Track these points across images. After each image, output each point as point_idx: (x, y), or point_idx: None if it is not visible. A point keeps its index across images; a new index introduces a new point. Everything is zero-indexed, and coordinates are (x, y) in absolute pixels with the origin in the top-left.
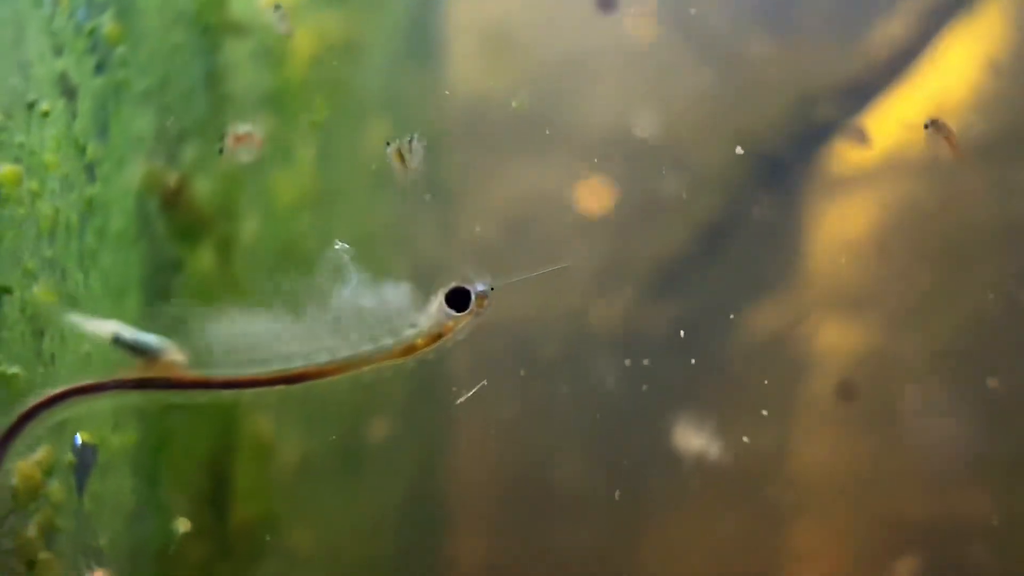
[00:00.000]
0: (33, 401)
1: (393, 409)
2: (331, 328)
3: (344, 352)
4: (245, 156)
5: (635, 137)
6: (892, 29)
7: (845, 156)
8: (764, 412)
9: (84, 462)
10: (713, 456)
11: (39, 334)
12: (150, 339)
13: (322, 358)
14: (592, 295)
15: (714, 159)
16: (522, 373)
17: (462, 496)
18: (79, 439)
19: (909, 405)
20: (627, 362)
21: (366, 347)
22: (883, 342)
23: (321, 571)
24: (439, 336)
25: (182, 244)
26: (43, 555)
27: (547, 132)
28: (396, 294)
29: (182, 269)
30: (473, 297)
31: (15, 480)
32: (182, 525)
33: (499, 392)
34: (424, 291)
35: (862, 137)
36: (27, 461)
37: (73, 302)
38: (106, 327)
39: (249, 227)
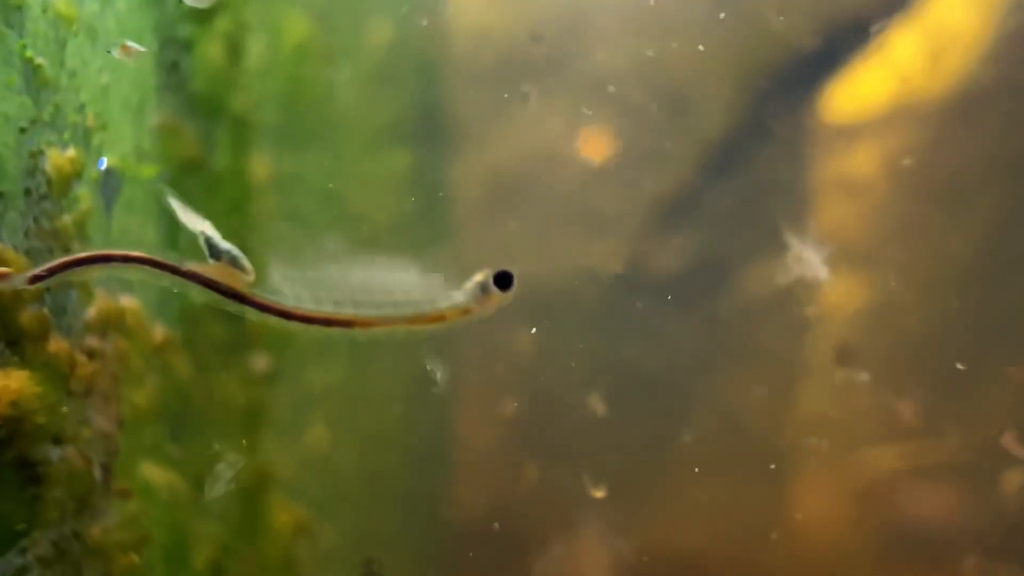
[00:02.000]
0: (110, 251)
1: None
2: (380, 290)
3: (390, 311)
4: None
5: (639, 76)
6: None
7: (848, 97)
8: None
9: (110, 184)
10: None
11: (62, 43)
12: (235, 251)
13: (370, 311)
14: (597, 237)
15: (720, 98)
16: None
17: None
18: (104, 162)
19: None
20: (637, 304)
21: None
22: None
23: (330, 409)
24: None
25: (191, 24)
26: (77, 245)
27: (551, 69)
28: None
29: (191, 51)
30: (515, 281)
31: (48, 166)
32: None
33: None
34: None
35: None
36: (60, 154)
37: (91, 31)
38: (200, 225)
39: (256, 47)
